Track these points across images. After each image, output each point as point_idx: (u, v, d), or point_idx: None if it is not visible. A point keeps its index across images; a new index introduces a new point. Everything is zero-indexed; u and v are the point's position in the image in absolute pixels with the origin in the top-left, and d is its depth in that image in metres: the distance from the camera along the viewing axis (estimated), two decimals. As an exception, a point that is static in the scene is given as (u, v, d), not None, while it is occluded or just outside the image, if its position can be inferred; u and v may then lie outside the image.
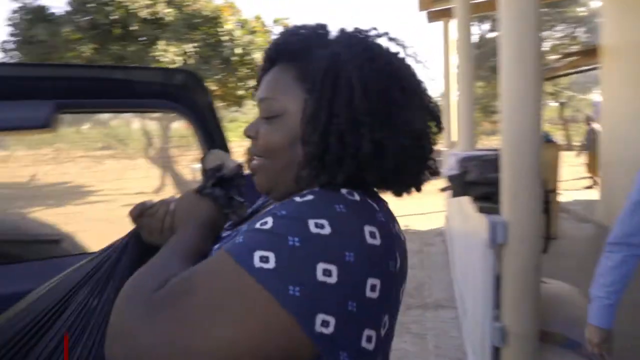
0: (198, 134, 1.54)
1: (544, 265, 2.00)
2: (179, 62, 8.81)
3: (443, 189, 3.25)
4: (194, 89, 1.52)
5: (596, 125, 8.05)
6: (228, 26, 9.46)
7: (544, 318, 2.03)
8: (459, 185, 2.71)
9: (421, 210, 7.22)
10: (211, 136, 1.54)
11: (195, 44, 9.23)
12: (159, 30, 8.98)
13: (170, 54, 8.65)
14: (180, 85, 1.50)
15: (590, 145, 8.48)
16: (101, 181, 11.14)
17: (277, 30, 10.38)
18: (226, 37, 9.42)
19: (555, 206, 5.01)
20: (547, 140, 13.12)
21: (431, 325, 3.15)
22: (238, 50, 9.41)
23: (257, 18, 10.15)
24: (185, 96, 1.50)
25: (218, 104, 12.68)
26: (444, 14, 6.20)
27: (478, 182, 2.56)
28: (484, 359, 2.09)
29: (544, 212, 3.51)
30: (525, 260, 1.90)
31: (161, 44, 8.67)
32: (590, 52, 6.82)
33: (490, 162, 2.45)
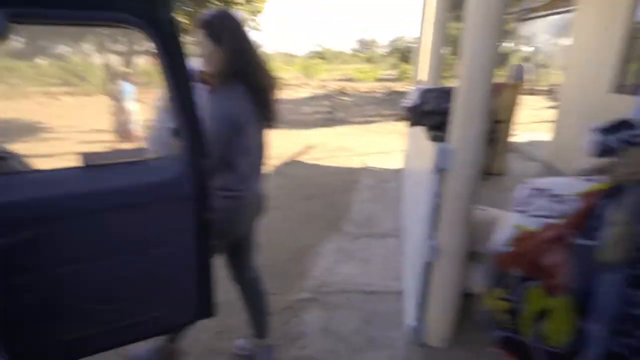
0: (158, 53, 1.48)
1: (489, 197, 2.11)
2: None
3: (401, 118, 3.33)
4: (156, 6, 1.44)
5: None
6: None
7: (474, 239, 2.17)
8: (416, 115, 2.78)
9: (385, 149, 7.35)
10: (172, 56, 1.48)
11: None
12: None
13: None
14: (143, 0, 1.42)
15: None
16: (55, 118, 10.69)
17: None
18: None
19: (503, 140, 5.18)
20: (517, 79, 13.60)
21: (376, 252, 3.32)
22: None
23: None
24: (148, 12, 1.43)
25: (187, 40, 12.02)
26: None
27: (434, 112, 2.64)
28: (418, 272, 2.23)
29: (489, 143, 3.62)
30: (463, 185, 1.99)
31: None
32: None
33: (446, 94, 2.51)
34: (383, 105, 14.32)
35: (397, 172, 5.67)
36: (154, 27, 1.44)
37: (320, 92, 19.38)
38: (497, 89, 5.95)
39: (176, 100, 1.51)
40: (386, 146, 7.62)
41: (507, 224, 1.24)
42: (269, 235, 3.78)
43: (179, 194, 1.59)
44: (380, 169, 6.07)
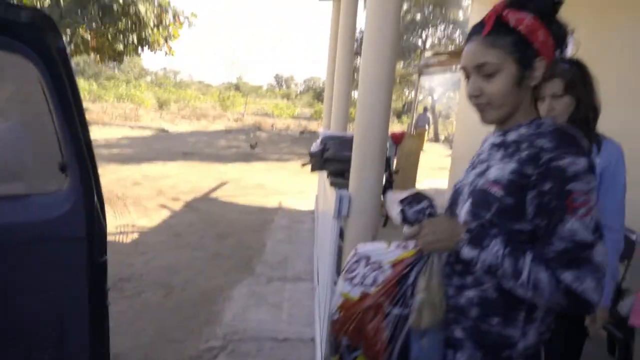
0: (45, 82, 1.42)
1: (392, 240, 2.24)
2: (46, 0, 7.74)
3: (304, 164, 3.43)
4: (43, 31, 1.39)
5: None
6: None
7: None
8: (318, 161, 2.89)
9: (300, 189, 7.49)
10: (61, 86, 1.42)
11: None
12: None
13: (36, -10, 7.55)
14: (26, 23, 1.37)
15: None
16: None
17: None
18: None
19: (407, 185, 5.57)
20: (422, 127, 14.60)
21: (288, 296, 3.35)
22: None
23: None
24: (32, 37, 1.37)
25: (92, 57, 11.42)
26: (335, -5, 6.31)
27: (334, 159, 2.76)
28: (327, 321, 2.30)
29: (388, 190, 3.88)
30: (363, 230, 2.09)
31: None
32: (458, 54, 7.63)
33: (346, 142, 2.65)
34: (298, 144, 14.66)
35: (311, 213, 5.81)
36: (41, 53, 1.38)
37: (236, 125, 19.32)
38: (399, 137, 6.43)
39: (65, 132, 1.44)
40: (301, 186, 7.78)
41: (337, 291, 1.24)
42: (178, 275, 3.64)
43: (68, 233, 1.50)
44: (295, 209, 6.17)
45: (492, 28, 0.96)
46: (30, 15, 1.38)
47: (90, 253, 1.55)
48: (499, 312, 0.98)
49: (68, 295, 1.55)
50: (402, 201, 1.12)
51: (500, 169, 0.97)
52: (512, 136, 1.00)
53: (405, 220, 1.11)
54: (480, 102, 1.01)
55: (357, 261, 1.25)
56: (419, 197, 1.12)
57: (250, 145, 12.98)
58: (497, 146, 1.03)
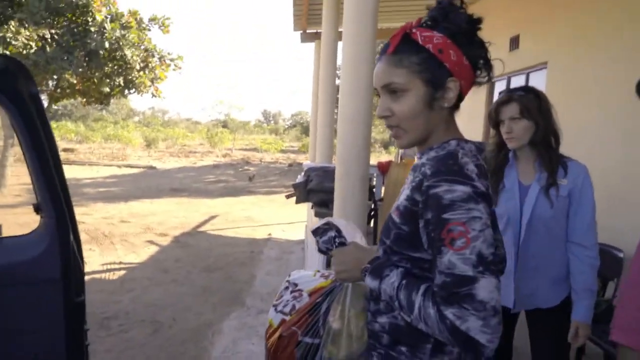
0: (18, 126, 1.43)
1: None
2: (33, 47, 7.86)
3: (288, 196, 3.46)
4: (14, 76, 1.42)
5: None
6: (99, 17, 8.74)
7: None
8: (302, 192, 2.91)
9: (289, 220, 7.48)
10: (33, 130, 1.44)
11: (57, 31, 8.34)
12: (11, 8, 7.95)
13: (22, 37, 7.67)
14: None
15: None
16: None
17: (153, 28, 9.90)
18: (95, 28, 8.68)
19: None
20: (409, 156, 14.56)
21: (279, 326, 3.30)
22: (107, 44, 8.72)
23: (133, 13, 9.57)
24: (4, 83, 1.40)
25: (78, 100, 11.54)
26: (317, 36, 6.59)
27: (317, 190, 2.78)
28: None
29: (372, 218, 3.89)
30: None
31: (13, 24, 7.65)
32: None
33: (329, 173, 2.68)
34: (286, 177, 14.72)
35: (301, 243, 5.80)
36: (14, 100, 1.41)
37: (224, 160, 19.39)
38: (385, 166, 6.49)
39: (38, 174, 1.46)
40: (289, 217, 7.78)
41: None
42: (165, 311, 3.58)
43: (42, 275, 1.50)
44: (284, 239, 6.16)
45: (400, 47, 0.89)
46: (1, 62, 1.42)
47: (67, 294, 1.54)
48: (406, 340, 0.92)
49: (44, 336, 1.53)
50: (314, 232, 1.10)
51: (403, 194, 0.93)
52: (422, 159, 0.93)
53: (320, 250, 1.09)
54: (390, 124, 0.93)
55: (286, 288, 1.23)
56: (327, 226, 1.09)
57: (248, 178, 13.19)
58: (412, 169, 0.96)
